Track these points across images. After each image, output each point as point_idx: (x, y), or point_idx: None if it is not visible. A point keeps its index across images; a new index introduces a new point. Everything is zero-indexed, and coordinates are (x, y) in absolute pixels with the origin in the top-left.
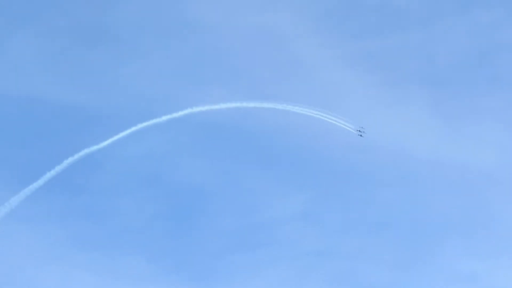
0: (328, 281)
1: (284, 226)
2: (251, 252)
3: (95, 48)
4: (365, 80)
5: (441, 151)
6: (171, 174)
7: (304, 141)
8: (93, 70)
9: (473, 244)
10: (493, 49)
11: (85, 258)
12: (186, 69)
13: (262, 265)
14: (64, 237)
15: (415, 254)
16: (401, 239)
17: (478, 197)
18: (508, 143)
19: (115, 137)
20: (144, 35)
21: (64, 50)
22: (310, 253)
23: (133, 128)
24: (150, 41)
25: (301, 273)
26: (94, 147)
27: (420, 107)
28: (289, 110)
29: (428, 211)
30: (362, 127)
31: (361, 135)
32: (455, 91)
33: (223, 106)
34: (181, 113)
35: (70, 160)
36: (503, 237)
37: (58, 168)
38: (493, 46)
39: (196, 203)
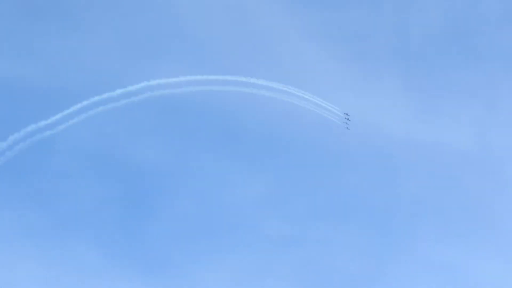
0: (293, 269)
1: (246, 210)
2: (210, 238)
3: (41, 19)
4: (333, 53)
5: (414, 130)
6: (125, 155)
7: (268, 119)
8: (39, 42)
9: (449, 231)
10: (470, 21)
11: (31, 245)
12: (140, 42)
13: (223, 252)
14: (8, 222)
15: (386, 240)
16: (372, 224)
17: (454, 179)
18: (485, 121)
19: (64, 113)
20: (94, 5)
21: (8, 22)
22: (274, 239)
23: (84, 103)
24: (101, 12)
25: (264, 261)
26: (42, 123)
27: (392, 82)
28: (253, 84)
29: (401, 194)
30: (347, 114)
31: (347, 127)
32: (429, 65)
33: (182, 79)
34: (136, 87)
35: (14, 138)
36: (480, 223)
37: (2, 147)
38: (470, 17)
39: (152, 186)
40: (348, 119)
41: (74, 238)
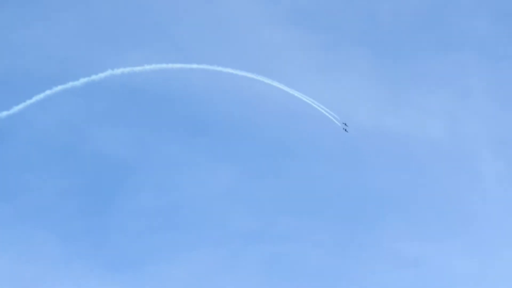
0: (260, 264)
1: (211, 204)
2: (174, 232)
3: (3, 7)
4: (300, 41)
5: (384, 120)
6: (87, 145)
7: (234, 109)
8: (1, 30)
9: (417, 225)
10: (441, 9)
11: None
12: (105, 30)
13: (186, 247)
14: None
15: (354, 235)
16: (340, 219)
17: (424, 171)
18: (457, 112)
19: (26, 103)
20: None
21: None
22: (240, 234)
23: (46, 92)
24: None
25: (230, 256)
26: (3, 113)
27: (362, 71)
28: (220, 73)
29: (370, 187)
30: (345, 124)
31: (345, 130)
32: (399, 55)
33: (147, 68)
34: (100, 76)
35: None
36: (450, 216)
37: None
38: (441, 6)
39: (114, 177)
40: (346, 129)
41: (35, 230)
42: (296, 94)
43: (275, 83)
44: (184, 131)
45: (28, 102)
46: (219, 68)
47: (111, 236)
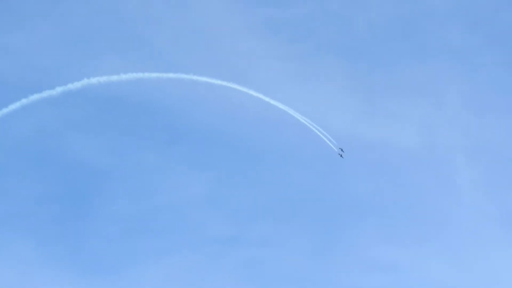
0: (236, 270)
1: (186, 209)
2: (150, 238)
3: None
4: (276, 50)
5: (359, 129)
6: (63, 152)
7: (209, 116)
8: None
9: (393, 231)
10: (416, 18)
11: None
12: (78, 38)
13: (163, 253)
14: None
15: (330, 240)
16: (316, 224)
17: (400, 179)
18: (432, 121)
19: (2, 111)
20: (34, 0)
21: None
22: (216, 240)
23: (22, 101)
24: (41, 8)
25: (206, 261)
26: None
27: (337, 80)
28: (195, 81)
29: (345, 194)
30: (342, 150)
31: (341, 155)
32: (375, 64)
33: (123, 77)
34: (76, 84)
35: None
36: (425, 222)
37: None
38: (416, 14)
39: (90, 184)
40: (341, 154)
41: (11, 235)
42: (278, 104)
43: (252, 92)
44: (160, 139)
45: (4, 110)
46: (196, 77)
47: (88, 241)
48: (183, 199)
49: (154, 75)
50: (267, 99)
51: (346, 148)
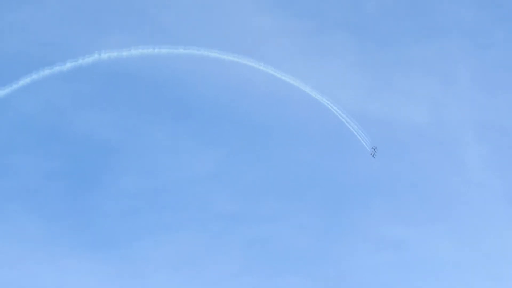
0: (242, 247)
1: (194, 186)
2: (157, 214)
3: None
4: (286, 26)
5: (368, 106)
6: (72, 128)
7: (220, 93)
8: None
9: (401, 209)
10: None
11: None
12: (88, 13)
13: (169, 229)
14: None
15: (339, 218)
16: (324, 202)
17: (408, 156)
18: (440, 98)
19: (12, 86)
20: None
21: None
22: (223, 217)
23: (33, 76)
24: None
25: (212, 238)
26: None
27: (346, 57)
28: (207, 56)
29: (354, 171)
30: (373, 148)
31: (373, 155)
32: (384, 41)
33: (133, 52)
34: (87, 60)
35: None
36: (434, 201)
37: None
38: None
39: (98, 160)
40: (373, 154)
41: (19, 211)
42: (288, 79)
43: (262, 67)
44: (169, 115)
45: (14, 85)
46: (206, 52)
47: (96, 217)
48: (191, 176)
49: (164, 50)
50: (277, 74)
51: (357, 123)
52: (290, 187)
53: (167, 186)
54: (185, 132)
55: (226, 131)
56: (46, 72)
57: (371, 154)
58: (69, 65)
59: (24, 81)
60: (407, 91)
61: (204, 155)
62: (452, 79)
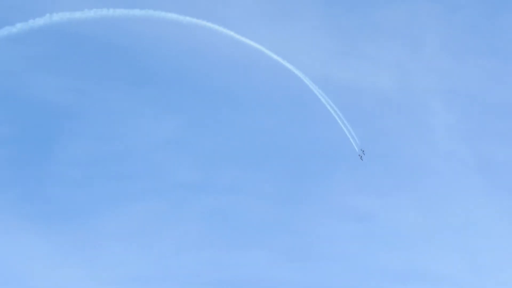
0: (203, 217)
1: (152, 153)
2: (113, 183)
3: None
4: None
5: (333, 70)
6: (23, 92)
7: (178, 56)
8: None
9: (367, 178)
10: None
11: None
12: None
13: (126, 199)
14: None
15: (301, 188)
16: (286, 171)
17: (373, 123)
18: (408, 64)
19: None
20: None
21: None
22: (182, 186)
23: None
24: None
25: (170, 209)
26: None
27: (311, 20)
28: (165, 18)
29: (318, 139)
30: (362, 150)
31: (361, 157)
32: (351, 4)
33: (88, 13)
34: (38, 21)
35: None
36: (400, 170)
37: None
38: None
39: (50, 125)
40: (361, 157)
41: None
42: (251, 43)
43: (224, 30)
44: (126, 79)
45: None
46: (164, 14)
47: (48, 186)
48: (148, 143)
49: (120, 11)
50: (239, 37)
51: (320, 88)
52: (252, 155)
53: (123, 154)
54: (143, 97)
55: (186, 97)
56: None
57: (359, 156)
58: (19, 26)
59: None
60: (373, 56)
61: (162, 121)
62: (419, 44)
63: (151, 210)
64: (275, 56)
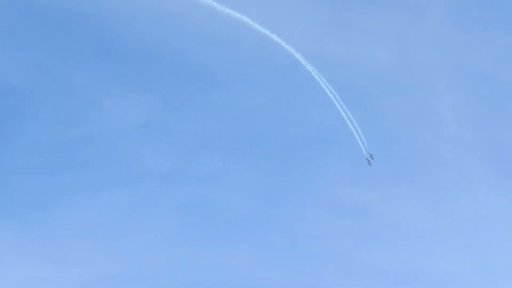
0: (177, 210)
1: (120, 138)
2: (77, 171)
3: None
4: None
5: (324, 45)
6: None
7: (148, 28)
8: None
9: (362, 170)
10: None
11: None
12: None
13: (91, 189)
14: None
15: (288, 178)
16: (271, 159)
17: (370, 105)
18: (409, 37)
19: None
20: None
21: None
22: (154, 175)
23: None
24: None
25: (140, 200)
26: None
27: None
28: None
29: (307, 124)
30: (370, 154)
31: (369, 162)
32: None
33: None
34: None
35: None
36: (399, 159)
37: None
38: None
39: (6, 107)
40: (369, 161)
41: None
42: (231, 13)
43: None
44: (90, 54)
45: None
46: None
47: (3, 175)
48: (117, 127)
49: None
50: (218, 7)
51: (311, 64)
52: (233, 140)
53: (88, 139)
54: (110, 74)
55: (158, 74)
56: None
57: (367, 160)
58: None
59: None
60: (370, 29)
61: (132, 102)
62: (422, 14)
63: (120, 202)
64: (260, 28)
